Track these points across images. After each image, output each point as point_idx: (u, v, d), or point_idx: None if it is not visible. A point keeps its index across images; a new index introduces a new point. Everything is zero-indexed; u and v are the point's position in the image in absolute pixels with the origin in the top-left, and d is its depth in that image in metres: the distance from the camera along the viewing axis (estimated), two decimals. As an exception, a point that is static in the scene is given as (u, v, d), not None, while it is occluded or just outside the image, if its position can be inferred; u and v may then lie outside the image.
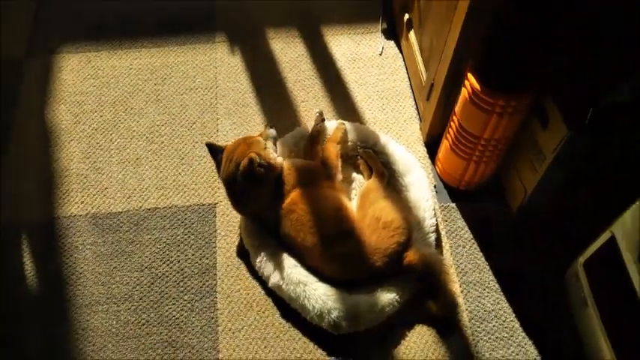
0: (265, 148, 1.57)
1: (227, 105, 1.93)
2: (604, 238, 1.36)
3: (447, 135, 1.69)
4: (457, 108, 1.58)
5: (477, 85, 1.46)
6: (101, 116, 1.90)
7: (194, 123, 1.89)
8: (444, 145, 1.73)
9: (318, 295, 1.50)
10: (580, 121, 1.36)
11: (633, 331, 1.31)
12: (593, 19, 1.30)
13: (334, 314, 1.48)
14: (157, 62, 2.02)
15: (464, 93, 1.52)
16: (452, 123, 1.64)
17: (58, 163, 1.80)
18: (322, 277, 1.55)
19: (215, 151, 1.60)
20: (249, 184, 1.53)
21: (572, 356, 1.50)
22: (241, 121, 1.89)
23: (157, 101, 1.94)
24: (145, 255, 1.65)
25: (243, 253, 1.64)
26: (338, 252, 1.52)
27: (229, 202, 1.60)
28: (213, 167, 1.78)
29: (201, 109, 1.92)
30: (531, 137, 1.54)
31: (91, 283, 1.61)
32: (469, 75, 1.48)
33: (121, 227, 1.69)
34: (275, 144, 1.63)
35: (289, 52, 2.05)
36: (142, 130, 1.87)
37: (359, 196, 1.66)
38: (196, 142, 1.85)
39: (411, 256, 1.54)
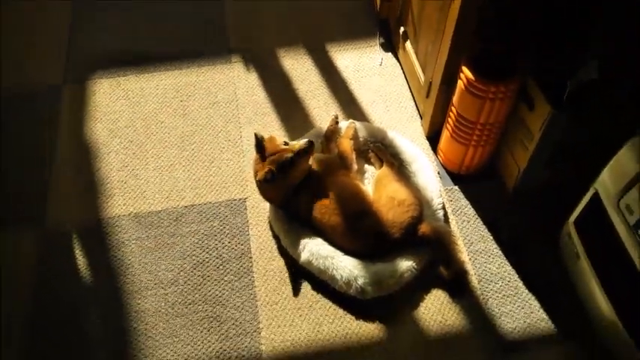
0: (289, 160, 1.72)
1: (248, 115, 2.16)
2: (589, 195, 1.59)
3: (447, 125, 1.93)
4: (454, 99, 1.83)
5: (470, 76, 1.71)
6: (134, 131, 2.12)
7: (219, 132, 2.11)
8: (445, 135, 1.96)
9: (345, 266, 1.70)
10: (560, 100, 1.61)
11: (622, 275, 1.51)
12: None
13: (360, 281, 1.68)
14: (180, 82, 2.26)
15: (460, 84, 1.77)
16: (451, 113, 1.88)
17: (100, 172, 2.01)
18: (347, 253, 1.75)
19: (258, 141, 1.76)
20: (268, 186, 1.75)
21: (569, 306, 1.70)
22: (261, 127, 2.12)
23: (184, 115, 2.16)
24: (185, 245, 1.84)
25: (273, 238, 1.85)
26: (362, 227, 1.73)
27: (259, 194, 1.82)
28: (241, 168, 2.01)
29: (225, 119, 2.15)
30: (520, 119, 1.79)
31: (139, 272, 1.79)
32: (463, 68, 1.73)
33: (162, 223, 1.89)
34: (307, 157, 1.77)
35: (298, 67, 2.30)
36: (174, 141, 2.09)
37: (374, 182, 1.88)
38: (223, 148, 2.07)
39: (423, 228, 1.75)
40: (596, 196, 1.55)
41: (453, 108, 1.86)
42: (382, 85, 2.25)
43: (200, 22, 2.47)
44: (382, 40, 2.39)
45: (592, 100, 1.60)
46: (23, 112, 2.17)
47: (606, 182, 1.51)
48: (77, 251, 1.83)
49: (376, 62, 2.33)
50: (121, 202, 1.94)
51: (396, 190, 1.81)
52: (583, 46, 1.57)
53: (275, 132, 2.10)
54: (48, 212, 1.92)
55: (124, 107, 2.19)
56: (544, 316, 1.70)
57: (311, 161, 1.82)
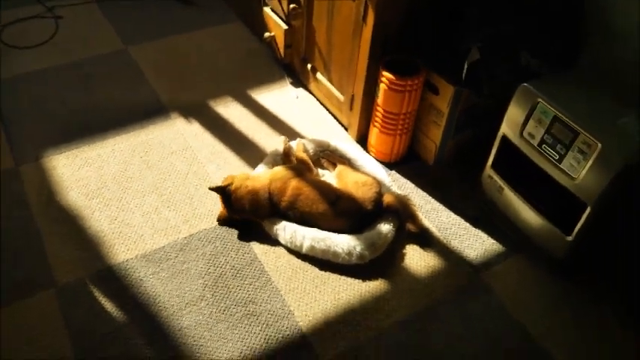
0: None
1: (206, 155, 2.46)
2: (498, 140, 2.19)
3: (375, 124, 2.44)
4: (379, 100, 2.35)
5: (391, 77, 2.25)
6: (109, 189, 2.29)
7: (187, 174, 2.38)
8: (374, 133, 2.47)
9: (342, 240, 2.08)
10: (459, 79, 2.22)
11: (539, 186, 2.08)
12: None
13: (359, 249, 2.06)
14: (133, 143, 2.49)
15: (382, 87, 2.30)
16: (377, 113, 2.40)
17: (92, 230, 2.15)
18: (336, 232, 2.13)
19: (219, 189, 2.14)
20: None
21: (506, 228, 2.26)
22: (222, 163, 2.43)
23: (149, 167, 2.39)
24: (199, 267, 2.07)
25: (273, 242, 2.16)
26: (343, 207, 2.13)
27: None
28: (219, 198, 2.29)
29: (187, 163, 2.42)
30: (430, 104, 2.37)
31: (167, 298, 1.97)
32: (384, 72, 2.27)
33: (170, 255, 2.09)
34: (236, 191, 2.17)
35: (232, 112, 2.67)
36: (149, 189, 2.31)
37: (336, 178, 2.30)
38: (197, 185, 2.34)
39: (387, 199, 2.21)
40: (504, 138, 2.16)
41: (378, 108, 2.38)
42: (304, 112, 2.72)
43: (129, 88, 2.74)
44: (291, 80, 2.88)
45: (480, 75, 2.23)
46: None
47: (509, 125, 2.12)
48: (99, 297, 1.95)
49: (292, 97, 2.79)
50: (124, 248, 2.10)
51: (356, 176, 2.26)
52: (466, 37, 2.21)
53: (235, 163, 2.43)
54: (55, 274, 2.00)
55: (89, 173, 2.35)
56: (492, 240, 2.24)
57: (283, 168, 2.22)
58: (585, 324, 2.02)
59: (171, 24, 3.18)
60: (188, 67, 2.92)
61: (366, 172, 2.36)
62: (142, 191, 2.30)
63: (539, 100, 1.98)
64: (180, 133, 2.55)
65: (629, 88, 2.01)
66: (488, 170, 2.29)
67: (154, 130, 2.56)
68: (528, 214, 2.17)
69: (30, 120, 2.56)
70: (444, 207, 2.35)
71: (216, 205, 2.26)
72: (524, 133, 2.06)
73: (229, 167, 2.41)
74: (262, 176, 2.21)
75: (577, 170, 1.91)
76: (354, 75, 2.42)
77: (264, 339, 1.89)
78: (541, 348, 1.94)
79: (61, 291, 1.97)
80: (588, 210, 1.93)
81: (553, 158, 1.98)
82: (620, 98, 1.98)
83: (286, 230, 2.13)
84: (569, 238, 2.03)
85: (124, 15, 3.20)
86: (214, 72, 2.90)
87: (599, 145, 1.83)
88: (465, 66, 2.18)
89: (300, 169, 2.26)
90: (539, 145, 2.02)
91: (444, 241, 2.23)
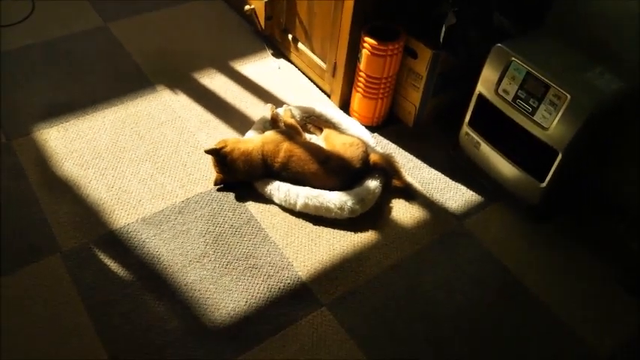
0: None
1: (195, 124, 2.54)
2: (474, 98, 2.34)
3: (357, 89, 2.56)
4: (362, 65, 2.47)
5: (373, 42, 2.37)
6: (103, 159, 2.35)
7: (178, 142, 2.46)
8: (357, 97, 2.59)
9: (334, 196, 2.20)
10: (437, 44, 2.36)
11: (514, 139, 2.25)
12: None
13: (350, 203, 2.19)
14: (122, 115, 2.54)
15: (365, 52, 2.42)
16: (359, 78, 2.52)
17: (91, 198, 2.21)
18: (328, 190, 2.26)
19: (214, 151, 2.24)
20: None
21: (481, 180, 2.42)
22: (212, 131, 2.52)
23: (141, 138, 2.46)
24: (199, 227, 2.16)
25: (268, 201, 2.26)
26: (333, 166, 2.26)
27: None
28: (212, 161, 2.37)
29: (178, 132, 2.50)
30: (409, 69, 2.50)
31: (171, 257, 2.06)
32: (366, 39, 2.39)
33: (170, 218, 2.18)
34: (230, 154, 2.27)
35: (217, 83, 2.75)
36: (143, 157, 2.38)
37: (323, 141, 2.42)
38: (189, 152, 2.42)
39: (373, 158, 2.35)
40: (480, 97, 2.31)
41: (361, 73, 2.50)
42: (287, 81, 2.82)
43: (113, 63, 2.79)
44: (272, 51, 2.97)
45: (455, 38, 2.37)
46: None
47: (484, 83, 2.27)
48: (105, 259, 2.03)
49: (274, 67, 2.89)
50: (124, 213, 2.17)
51: (343, 138, 2.39)
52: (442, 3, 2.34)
53: (224, 130, 2.52)
54: (59, 241, 2.06)
55: (82, 145, 2.40)
56: (471, 192, 2.40)
57: (274, 133, 2.32)
58: (561, 264, 2.21)
59: (150, 0, 3.22)
60: (170, 42, 2.98)
61: (351, 135, 2.48)
62: (136, 160, 2.37)
63: (513, 58, 2.14)
64: (168, 105, 2.62)
65: (596, 44, 2.18)
66: (466, 127, 2.45)
67: (141, 103, 2.61)
68: (504, 166, 2.33)
69: (16, 97, 2.58)
70: (425, 164, 2.50)
71: (209, 171, 2.35)
72: (499, 90, 2.22)
73: (219, 135, 2.49)
74: (254, 139, 2.32)
75: (548, 121, 2.08)
76: (336, 43, 2.53)
77: (267, 288, 2.00)
78: (523, 287, 2.11)
79: (66, 255, 2.03)
80: (560, 157, 2.10)
81: (526, 111, 2.14)
82: (588, 54, 2.15)
83: (280, 190, 2.24)
84: (543, 185, 2.21)
85: (101, -8, 3.23)
86: (197, 45, 2.97)
87: (569, 96, 2.00)
88: (443, 29, 2.32)
89: (290, 133, 2.37)
90: (514, 100, 2.18)
91: (427, 194, 2.38)
